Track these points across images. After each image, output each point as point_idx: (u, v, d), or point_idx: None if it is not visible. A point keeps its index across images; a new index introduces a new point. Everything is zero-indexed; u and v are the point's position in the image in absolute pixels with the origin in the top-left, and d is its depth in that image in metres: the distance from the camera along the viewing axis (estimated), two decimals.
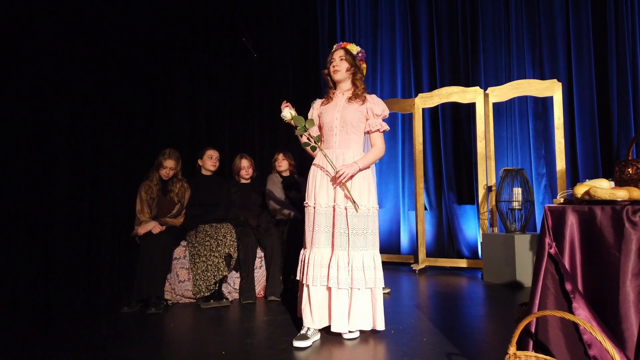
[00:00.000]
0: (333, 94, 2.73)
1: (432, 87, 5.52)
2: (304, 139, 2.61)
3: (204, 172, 3.99)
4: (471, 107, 5.01)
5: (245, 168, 4.05)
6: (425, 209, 5.42)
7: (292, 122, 2.54)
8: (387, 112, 2.69)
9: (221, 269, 3.48)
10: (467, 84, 5.30)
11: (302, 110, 2.75)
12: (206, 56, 5.05)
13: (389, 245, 5.72)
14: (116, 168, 3.96)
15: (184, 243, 3.67)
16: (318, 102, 2.80)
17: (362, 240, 2.53)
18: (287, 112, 2.55)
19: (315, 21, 5.88)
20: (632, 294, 1.57)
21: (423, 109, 5.12)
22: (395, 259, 5.44)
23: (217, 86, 5.10)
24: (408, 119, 5.66)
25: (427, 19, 5.74)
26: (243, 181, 4.09)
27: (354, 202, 2.50)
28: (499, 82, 5.12)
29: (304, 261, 2.60)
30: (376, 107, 2.65)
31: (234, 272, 3.68)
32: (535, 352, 1.64)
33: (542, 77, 5.05)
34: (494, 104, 4.81)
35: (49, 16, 3.46)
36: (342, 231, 2.52)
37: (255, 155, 4.76)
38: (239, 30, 5.02)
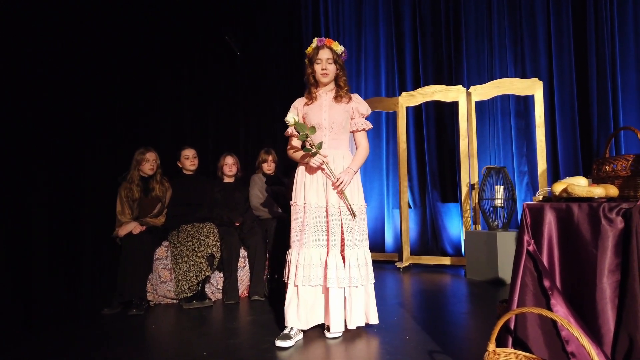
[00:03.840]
0: (315, 93, 2.69)
1: (415, 86, 5.55)
2: (303, 144, 2.61)
3: (185, 172, 3.95)
4: (454, 105, 5.04)
5: (229, 165, 4.02)
6: (410, 207, 5.44)
7: (294, 127, 2.52)
8: (370, 111, 2.72)
9: (204, 269, 3.45)
10: (450, 82, 5.34)
11: (286, 109, 2.73)
12: (190, 55, 5.01)
13: (373, 243, 5.73)
14: (98, 169, 3.91)
15: (165, 243, 3.63)
16: (300, 101, 2.73)
17: (356, 238, 2.57)
18: (291, 117, 2.50)
19: (299, 20, 5.88)
20: (609, 290, 1.59)
21: (407, 108, 5.14)
22: (379, 257, 5.45)
23: (201, 85, 5.07)
24: (392, 117, 5.68)
25: (411, 18, 5.76)
26: (226, 179, 4.06)
27: (352, 211, 2.54)
28: (481, 81, 5.16)
29: (291, 261, 2.58)
30: (361, 106, 2.67)
31: (217, 272, 3.66)
32: (515, 348, 1.65)
33: (524, 76, 5.11)
34: (477, 103, 4.85)
35: (31, 17, 3.41)
36: (336, 231, 2.53)
37: (240, 155, 4.73)
38: (222, 29, 4.99)
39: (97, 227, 3.79)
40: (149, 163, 3.71)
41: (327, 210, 2.55)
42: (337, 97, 2.64)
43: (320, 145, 2.51)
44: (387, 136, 5.82)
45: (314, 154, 2.51)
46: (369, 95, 5.81)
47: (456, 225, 5.35)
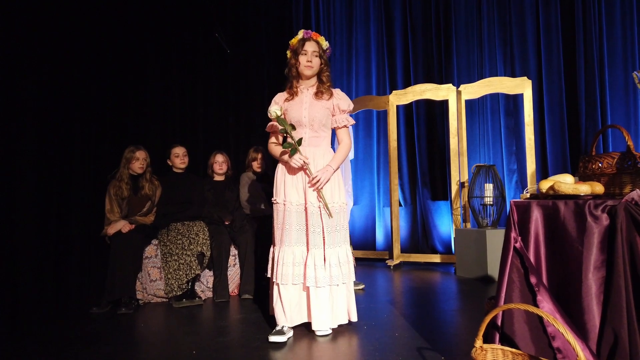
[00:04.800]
0: (297, 87, 2.65)
1: (406, 85, 5.56)
2: (284, 139, 2.61)
3: (175, 170, 3.93)
4: (444, 104, 5.07)
5: (219, 163, 4.00)
6: (400, 205, 5.46)
7: (276, 121, 2.50)
8: (352, 107, 2.70)
9: (193, 267, 3.44)
10: (441, 81, 5.36)
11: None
12: (180, 53, 4.98)
13: (364, 241, 5.75)
14: (87, 168, 3.88)
15: (155, 242, 3.61)
16: (280, 97, 2.68)
17: (337, 237, 2.55)
18: (274, 111, 2.47)
19: (290, 18, 5.87)
20: (594, 287, 1.60)
21: (397, 106, 5.15)
22: (370, 255, 5.47)
23: (191, 83, 5.04)
24: (383, 116, 5.69)
25: (402, 17, 5.77)
26: (217, 178, 4.04)
27: (328, 209, 2.51)
28: (471, 80, 5.19)
29: (275, 259, 2.58)
30: (342, 102, 2.65)
31: (207, 270, 3.64)
32: (502, 344, 1.66)
33: (513, 75, 5.14)
34: (467, 101, 4.87)
35: (20, 16, 3.37)
36: (316, 230, 2.51)
37: (230, 153, 4.72)
38: (212, 26, 4.97)
39: (85, 226, 3.76)
40: (139, 162, 3.69)
41: (305, 209, 2.53)
42: (319, 93, 2.61)
43: (300, 141, 2.49)
44: (378, 134, 5.83)
45: (293, 152, 2.48)
46: (360, 94, 5.82)
47: (446, 223, 5.38)
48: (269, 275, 2.64)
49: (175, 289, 3.38)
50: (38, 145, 3.48)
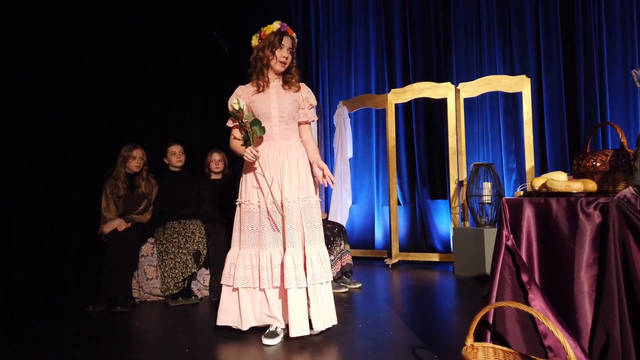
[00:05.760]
0: (263, 80, 2.55)
1: (405, 83, 5.54)
2: (240, 132, 2.52)
3: (172, 168, 3.92)
4: (443, 102, 5.05)
5: (215, 161, 3.99)
6: (399, 204, 5.45)
7: (240, 114, 2.35)
8: (316, 102, 2.70)
9: (189, 266, 3.43)
10: (440, 80, 5.35)
11: None
12: (178, 53, 4.98)
13: (363, 240, 5.74)
14: (86, 167, 3.88)
15: (151, 240, 3.61)
16: (244, 89, 2.59)
17: (315, 233, 2.48)
18: (234, 104, 2.35)
19: (289, 17, 5.88)
20: (586, 285, 1.59)
21: (396, 105, 5.14)
22: (369, 254, 5.46)
23: (188, 81, 5.04)
24: (382, 114, 5.67)
25: (400, 15, 5.76)
26: (213, 176, 4.04)
27: (277, 203, 2.39)
28: (470, 78, 5.16)
29: (258, 265, 2.45)
30: (311, 97, 2.64)
31: (203, 269, 3.64)
32: (493, 343, 1.65)
33: (512, 74, 5.12)
34: (465, 100, 4.85)
35: (20, 16, 3.38)
36: (294, 226, 2.41)
37: (227, 152, 4.71)
38: (212, 26, 4.97)
39: (82, 224, 3.77)
40: (136, 160, 3.68)
41: (281, 205, 2.44)
42: (286, 85, 2.56)
43: (262, 130, 2.38)
44: (377, 133, 5.82)
45: (248, 145, 2.38)
46: (359, 92, 5.82)
47: (445, 222, 5.36)
48: (223, 282, 2.52)
49: (172, 288, 3.37)
50: (37, 144, 3.49)
